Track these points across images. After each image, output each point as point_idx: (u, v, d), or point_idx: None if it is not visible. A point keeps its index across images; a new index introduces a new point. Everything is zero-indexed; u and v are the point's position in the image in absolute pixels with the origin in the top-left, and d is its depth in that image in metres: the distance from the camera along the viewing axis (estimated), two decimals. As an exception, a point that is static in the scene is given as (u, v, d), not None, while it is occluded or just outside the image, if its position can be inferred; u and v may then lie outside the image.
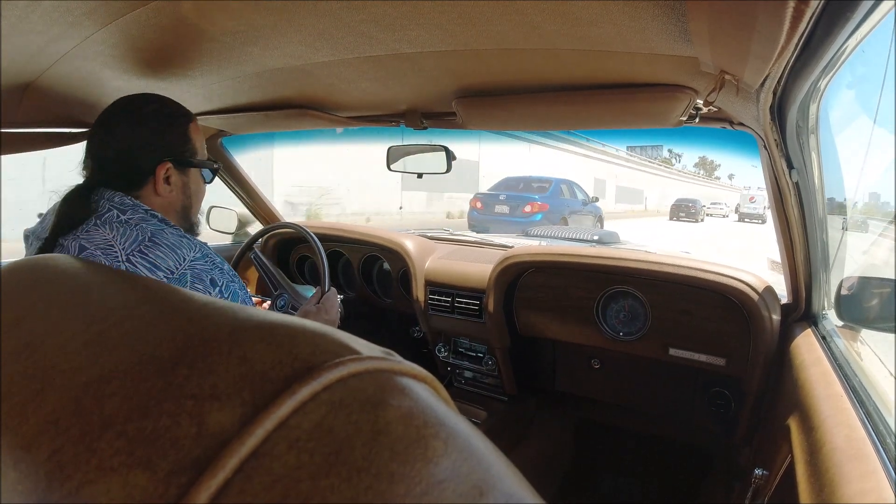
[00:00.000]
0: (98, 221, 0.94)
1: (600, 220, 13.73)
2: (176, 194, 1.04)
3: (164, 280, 0.89)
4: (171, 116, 1.03)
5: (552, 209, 11.35)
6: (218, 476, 0.19)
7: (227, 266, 0.99)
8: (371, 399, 0.22)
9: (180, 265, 0.92)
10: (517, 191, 11.93)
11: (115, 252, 0.91)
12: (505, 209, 11.31)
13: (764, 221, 30.74)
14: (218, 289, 0.95)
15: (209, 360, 0.24)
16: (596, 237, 2.68)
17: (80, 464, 0.21)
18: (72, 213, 0.96)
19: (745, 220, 32.31)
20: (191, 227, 1.11)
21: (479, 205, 11.83)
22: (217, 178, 2.01)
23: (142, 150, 0.99)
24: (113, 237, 0.92)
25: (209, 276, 0.94)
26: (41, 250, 0.96)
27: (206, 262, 0.96)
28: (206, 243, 1.01)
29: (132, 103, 1.01)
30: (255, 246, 1.81)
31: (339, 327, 0.72)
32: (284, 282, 1.68)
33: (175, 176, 1.03)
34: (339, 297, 1.44)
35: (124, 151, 0.98)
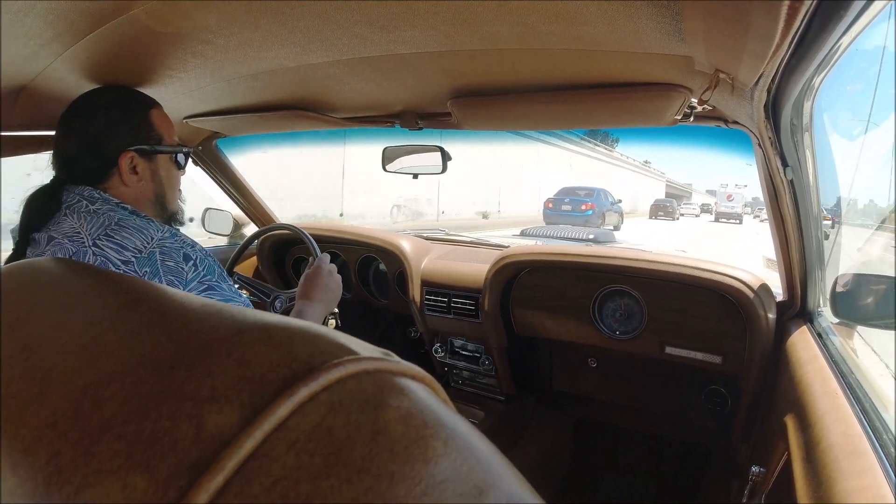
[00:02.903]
0: (67, 212, 0.95)
1: (622, 216, 19.40)
2: (146, 183, 1.03)
3: (133, 260, 0.89)
4: (129, 104, 1.02)
5: (598, 208, 17.38)
6: (217, 478, 0.19)
7: (198, 246, 0.98)
8: (370, 400, 0.22)
9: (148, 244, 0.92)
10: (573, 196, 17.81)
11: (82, 238, 0.91)
12: (568, 207, 17.38)
13: (741, 221, 30.68)
14: (192, 262, 0.94)
15: (207, 362, 0.24)
16: (591, 236, 2.68)
17: (79, 467, 0.21)
18: (38, 211, 0.97)
19: (722, 219, 31.91)
20: (170, 218, 1.09)
21: (550, 205, 17.81)
22: (213, 181, 2.03)
23: (101, 141, 0.98)
24: (80, 225, 0.92)
25: (181, 253, 0.94)
26: (15, 248, 0.99)
27: (176, 240, 0.95)
28: (177, 229, 1.01)
29: (89, 97, 1.01)
30: (243, 255, 1.82)
31: (337, 328, 0.72)
32: (274, 288, 1.68)
33: (141, 164, 1.01)
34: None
35: (84, 145, 0.98)
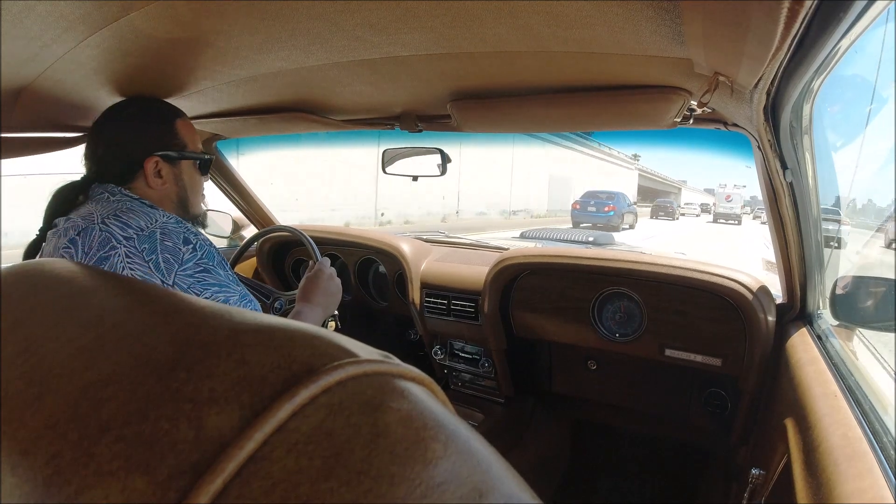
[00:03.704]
0: (90, 202, 1.02)
1: (636, 216, 22.56)
2: (170, 186, 1.09)
3: (134, 237, 0.94)
4: (156, 113, 1.10)
5: (618, 209, 20.06)
6: (217, 480, 0.19)
7: (203, 235, 1.03)
8: (370, 402, 0.22)
9: (151, 224, 0.97)
10: (596, 199, 20.42)
11: (93, 217, 0.97)
12: (593, 209, 20.05)
13: (740, 222, 30.53)
14: (191, 246, 0.98)
15: (207, 364, 0.24)
16: (591, 238, 2.69)
17: (79, 468, 0.21)
18: (64, 201, 1.05)
19: (720, 220, 31.83)
20: (191, 221, 1.15)
21: (577, 206, 20.56)
22: (213, 183, 2.03)
23: (128, 146, 1.05)
24: (95, 208, 0.99)
25: (181, 236, 0.98)
26: (39, 233, 1.06)
27: (180, 225, 1.00)
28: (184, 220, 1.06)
29: (119, 105, 1.09)
30: (242, 257, 1.82)
31: (337, 330, 0.72)
32: (274, 290, 1.68)
33: (166, 169, 1.08)
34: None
35: (112, 149, 1.05)
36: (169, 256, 0.95)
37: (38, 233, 1.06)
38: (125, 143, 1.05)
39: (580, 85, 1.06)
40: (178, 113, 1.12)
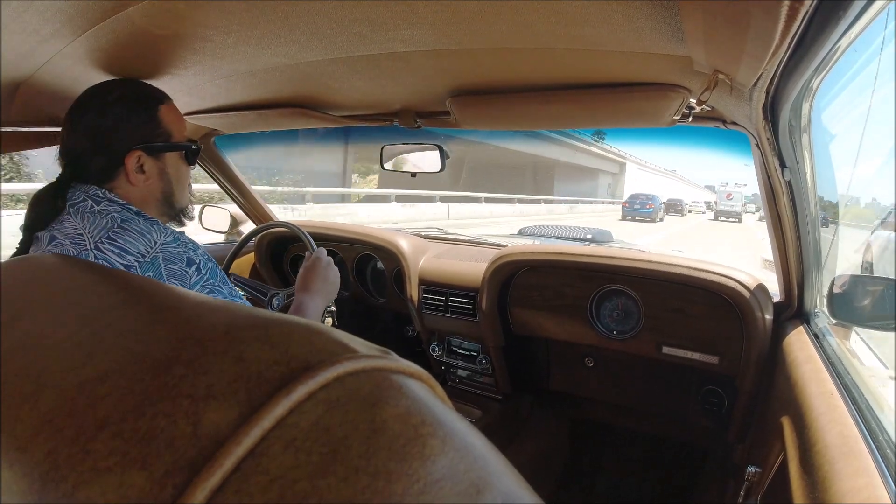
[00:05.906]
0: (71, 210, 0.93)
1: (665, 211, 29.66)
2: (153, 182, 1.00)
3: (136, 264, 0.88)
4: (137, 101, 0.99)
5: (655, 207, 26.56)
6: (214, 476, 0.19)
7: (201, 249, 0.97)
8: (368, 398, 0.22)
9: (151, 248, 0.90)
10: (640, 199, 27.04)
11: (84, 240, 0.89)
12: (639, 206, 26.49)
13: (740, 220, 31.09)
14: (195, 266, 0.93)
15: (204, 360, 0.23)
16: (589, 236, 2.68)
17: (76, 464, 0.21)
18: (43, 210, 0.95)
19: (721, 218, 32.39)
20: (177, 215, 1.07)
21: (626, 205, 27.05)
22: (211, 179, 2.03)
23: (108, 139, 0.95)
24: (82, 226, 0.91)
25: (184, 257, 0.93)
26: (19, 246, 0.97)
27: (179, 244, 0.94)
28: (181, 232, 0.99)
29: (97, 92, 0.98)
30: (240, 253, 1.82)
31: (335, 326, 0.71)
32: (271, 287, 1.68)
33: (149, 163, 0.98)
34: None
35: (91, 143, 0.95)
36: (176, 282, 0.90)
37: (17, 246, 0.98)
38: (103, 135, 0.95)
39: (580, 82, 1.05)
40: (161, 97, 1.01)
